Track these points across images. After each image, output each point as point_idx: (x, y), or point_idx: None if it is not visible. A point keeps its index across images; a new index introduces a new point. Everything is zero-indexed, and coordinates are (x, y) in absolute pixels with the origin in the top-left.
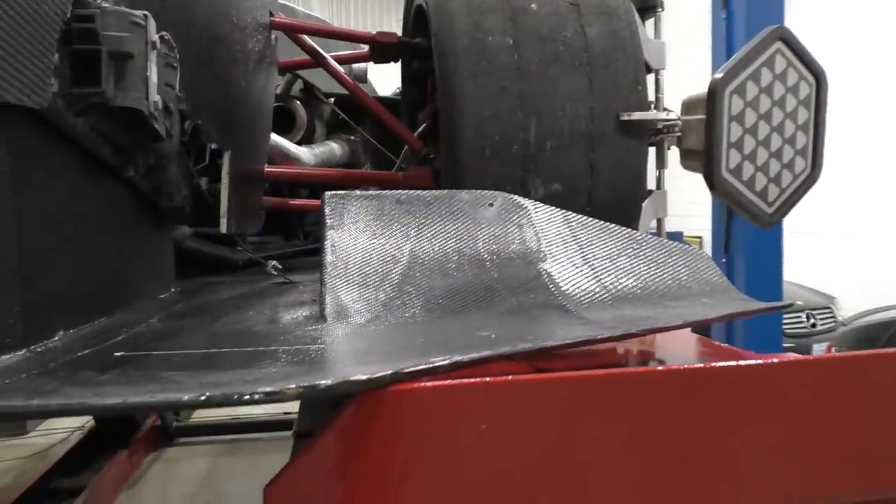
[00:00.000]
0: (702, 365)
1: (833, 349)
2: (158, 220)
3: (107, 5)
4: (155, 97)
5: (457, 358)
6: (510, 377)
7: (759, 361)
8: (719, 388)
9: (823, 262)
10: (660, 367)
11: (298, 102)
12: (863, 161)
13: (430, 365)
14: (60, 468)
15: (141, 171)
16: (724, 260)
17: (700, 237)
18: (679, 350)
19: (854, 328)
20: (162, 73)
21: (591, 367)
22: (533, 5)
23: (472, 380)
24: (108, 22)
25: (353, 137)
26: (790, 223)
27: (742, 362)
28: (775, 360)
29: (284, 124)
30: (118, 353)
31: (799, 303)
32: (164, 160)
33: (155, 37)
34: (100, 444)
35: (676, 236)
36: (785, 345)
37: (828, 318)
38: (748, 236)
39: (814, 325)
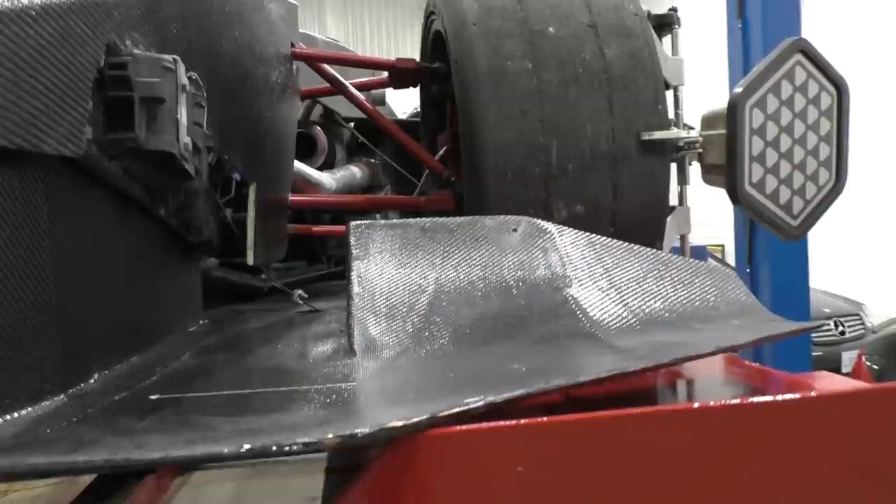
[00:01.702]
0: (739, 401)
1: (864, 357)
2: (187, 254)
3: (138, 52)
4: (185, 139)
5: (490, 398)
6: (545, 419)
7: (807, 395)
8: (761, 424)
9: (851, 266)
10: (696, 405)
11: (319, 128)
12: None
13: (465, 407)
14: (89, 494)
15: (171, 209)
16: (748, 270)
17: (722, 245)
18: (709, 372)
19: (884, 335)
20: (191, 113)
21: (623, 393)
22: (550, 28)
23: (507, 423)
24: (139, 68)
25: (373, 160)
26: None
27: (783, 397)
28: (820, 392)
29: (306, 150)
30: (154, 396)
31: (826, 310)
32: (193, 197)
33: (184, 79)
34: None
35: (700, 251)
36: (814, 353)
37: (857, 325)
38: (772, 246)
39: (842, 333)
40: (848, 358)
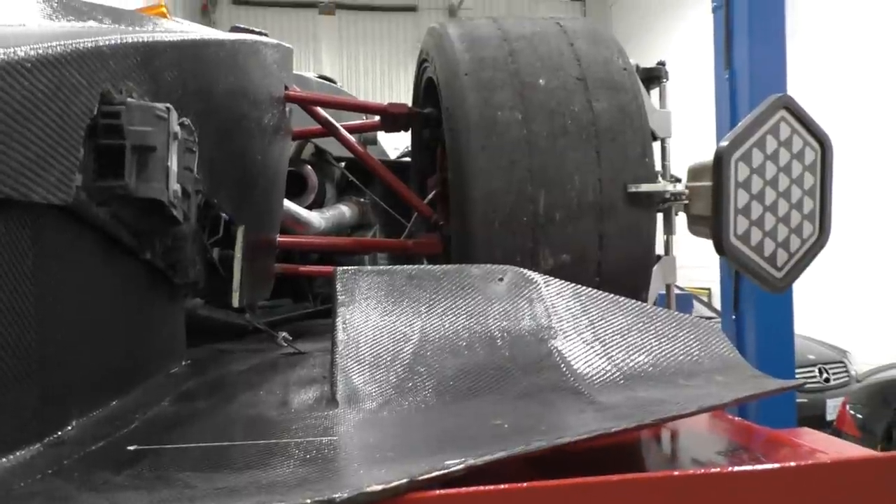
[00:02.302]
0: (720, 469)
1: (847, 406)
2: (172, 294)
3: (132, 100)
4: (175, 186)
5: (471, 461)
6: (525, 485)
7: (794, 464)
8: (750, 492)
9: (836, 314)
10: (676, 473)
11: (310, 167)
12: (873, 214)
13: (445, 470)
14: None
15: (158, 252)
16: (733, 317)
17: (709, 289)
18: (694, 427)
19: (868, 384)
20: (181, 159)
21: (608, 447)
22: (541, 81)
23: (487, 487)
24: (132, 116)
25: (362, 200)
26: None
27: (768, 466)
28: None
29: (296, 188)
30: (132, 448)
31: (811, 357)
32: (181, 241)
33: (176, 128)
34: None
35: (686, 298)
36: (799, 400)
37: (841, 372)
38: (758, 293)
39: (827, 380)
40: (832, 405)
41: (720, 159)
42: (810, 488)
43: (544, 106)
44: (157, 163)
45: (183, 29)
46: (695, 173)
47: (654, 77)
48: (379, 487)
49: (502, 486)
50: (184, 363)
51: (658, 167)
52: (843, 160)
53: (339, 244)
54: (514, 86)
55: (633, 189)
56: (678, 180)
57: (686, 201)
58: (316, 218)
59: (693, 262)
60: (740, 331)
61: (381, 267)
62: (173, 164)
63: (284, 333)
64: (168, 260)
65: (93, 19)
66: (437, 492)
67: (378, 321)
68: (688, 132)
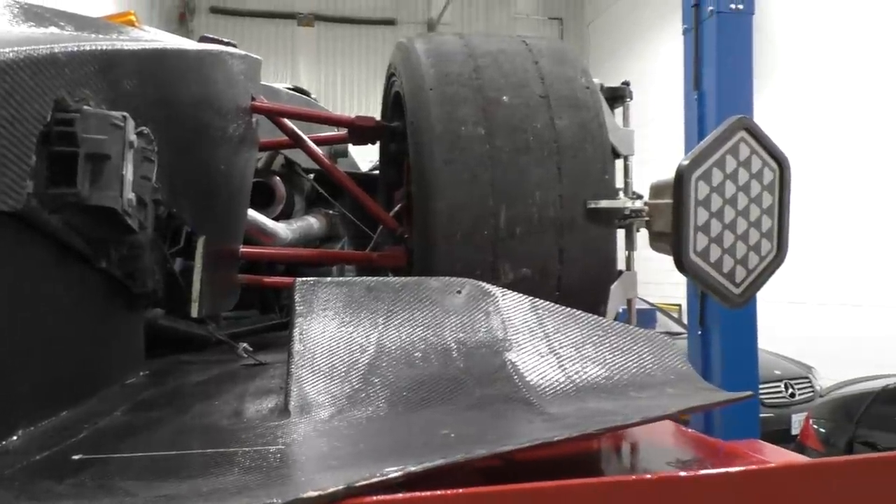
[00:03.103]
0: (653, 476)
1: (811, 421)
2: (130, 304)
3: (88, 108)
4: (129, 195)
5: (410, 468)
6: (461, 491)
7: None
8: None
9: (803, 331)
10: (608, 479)
11: (278, 178)
12: (840, 234)
13: (383, 477)
14: None
15: (113, 261)
16: (699, 333)
17: (679, 304)
18: (647, 437)
19: (831, 399)
20: (138, 168)
21: (561, 457)
22: (504, 97)
23: (422, 493)
24: (87, 124)
25: (331, 212)
26: (771, 293)
27: (705, 472)
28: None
29: (264, 199)
30: (77, 457)
31: (777, 372)
32: (138, 249)
33: (132, 136)
34: None
35: (649, 314)
36: (764, 415)
37: (806, 388)
38: (723, 309)
39: (792, 395)
40: (797, 420)
41: (681, 177)
42: (743, 493)
43: (507, 122)
44: (111, 171)
45: (148, 38)
46: (656, 191)
47: (618, 96)
48: (315, 494)
49: (438, 492)
50: (142, 373)
51: (620, 184)
52: (819, 179)
53: (303, 255)
54: (477, 101)
55: (592, 205)
56: (640, 197)
57: (647, 218)
58: (282, 229)
59: (664, 278)
60: (706, 346)
61: (341, 279)
62: (128, 172)
63: (245, 344)
64: (125, 269)
65: (54, 26)
66: (374, 497)
67: (335, 332)
68: (664, 150)
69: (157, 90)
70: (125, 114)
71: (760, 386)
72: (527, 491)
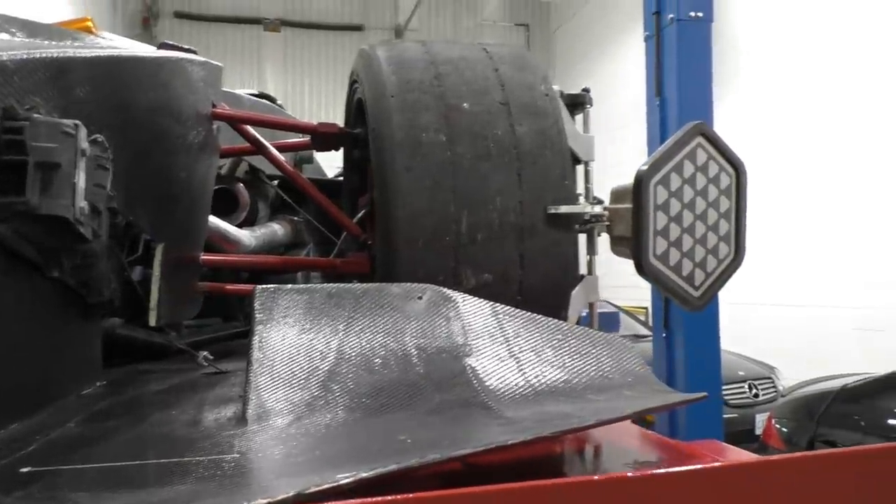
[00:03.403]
0: (601, 477)
1: (773, 420)
2: (85, 313)
3: (38, 116)
4: (81, 203)
5: (362, 474)
6: (411, 495)
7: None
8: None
9: (766, 332)
10: (555, 481)
11: (242, 185)
12: (800, 236)
13: (334, 483)
14: None
15: (67, 270)
16: (664, 335)
17: (646, 307)
18: (607, 439)
19: (792, 399)
20: (91, 176)
21: (516, 462)
22: (465, 104)
23: (373, 499)
24: (37, 132)
25: (296, 218)
26: (734, 295)
27: (654, 472)
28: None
29: (227, 206)
30: (26, 470)
31: (741, 373)
32: (92, 258)
33: (85, 144)
34: None
35: (612, 317)
36: (729, 416)
37: (769, 388)
38: (686, 312)
39: (756, 396)
40: (761, 420)
41: (640, 182)
42: (691, 492)
43: (468, 129)
44: (62, 179)
45: (104, 44)
46: (616, 196)
47: (578, 103)
48: (264, 501)
49: (389, 497)
50: (99, 384)
51: (581, 189)
52: (779, 182)
53: (266, 262)
54: (439, 108)
55: (552, 210)
56: (600, 202)
57: (608, 222)
58: (246, 236)
59: (632, 282)
60: (670, 348)
61: (301, 286)
62: (80, 180)
63: (205, 353)
64: (79, 278)
65: (5, 32)
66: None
67: (295, 339)
68: (633, 154)
69: (112, 97)
70: (77, 122)
71: (725, 387)
72: (475, 494)
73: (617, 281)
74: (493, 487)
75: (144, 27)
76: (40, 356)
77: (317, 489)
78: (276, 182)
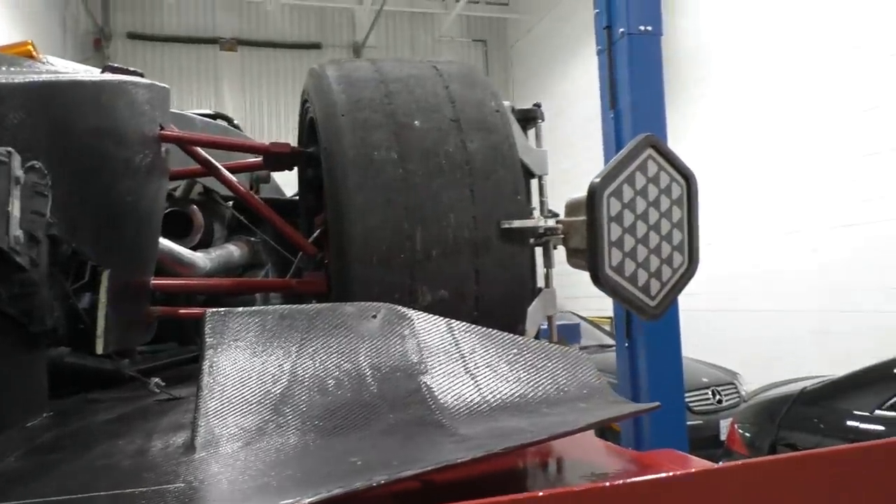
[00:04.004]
0: (545, 493)
1: (736, 425)
2: (29, 343)
3: None
4: (16, 232)
5: (305, 500)
6: None
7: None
8: None
9: (727, 338)
10: (500, 498)
11: (195, 207)
12: (758, 241)
13: None
14: None
15: (4, 300)
16: (626, 344)
17: (611, 317)
18: (567, 453)
19: (754, 404)
20: (28, 203)
21: (473, 479)
22: (416, 122)
23: None
24: None
25: (253, 239)
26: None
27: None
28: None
29: (181, 229)
30: None
31: (705, 379)
32: (31, 287)
33: (19, 172)
34: None
35: (572, 328)
36: (694, 422)
37: (732, 394)
38: (647, 322)
39: (720, 402)
40: (725, 425)
41: (593, 195)
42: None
43: (419, 146)
44: None
45: (43, 69)
46: (571, 208)
47: (530, 118)
48: None
49: None
50: (45, 415)
51: (535, 204)
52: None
53: (219, 285)
54: (390, 126)
55: (506, 225)
56: (555, 215)
57: (563, 235)
58: (201, 259)
59: (595, 292)
60: (633, 356)
61: (253, 308)
62: (15, 209)
63: (157, 380)
64: (19, 307)
65: None
66: None
67: (246, 363)
68: (589, 167)
69: (50, 123)
70: (10, 149)
71: (689, 393)
72: None
73: (580, 292)
74: None
75: (96, 49)
76: None
77: None
78: (231, 203)
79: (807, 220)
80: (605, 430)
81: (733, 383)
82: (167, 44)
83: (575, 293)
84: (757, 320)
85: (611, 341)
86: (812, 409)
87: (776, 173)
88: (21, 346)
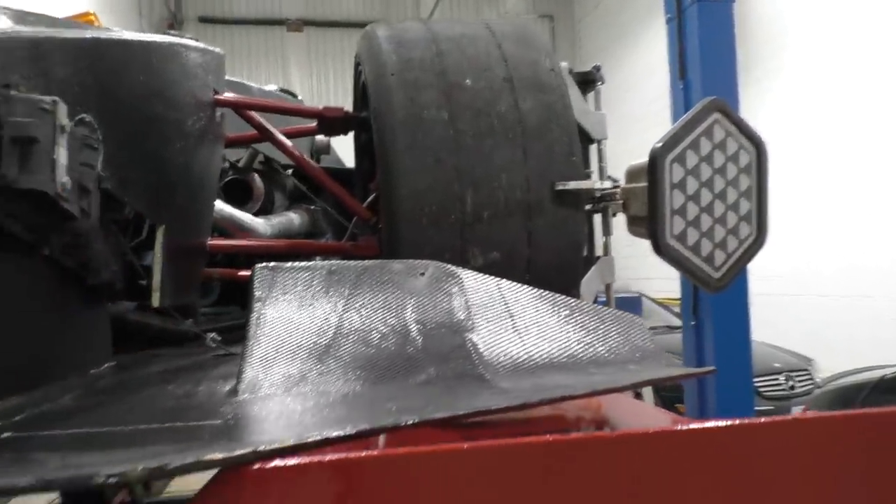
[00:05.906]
0: (582, 434)
1: (809, 412)
2: (89, 295)
3: (15, 93)
4: (63, 179)
5: (330, 433)
6: (365, 453)
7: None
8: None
9: (803, 323)
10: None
11: (256, 175)
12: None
13: (300, 441)
14: None
15: (56, 249)
16: (693, 323)
17: (680, 299)
18: (607, 415)
19: (829, 390)
20: (77, 154)
21: (515, 430)
22: (468, 81)
23: (331, 457)
24: (13, 108)
25: (313, 207)
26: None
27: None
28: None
29: (242, 196)
30: (5, 435)
31: (777, 365)
32: (83, 238)
33: (64, 121)
34: None
35: (634, 301)
36: (764, 407)
37: (806, 380)
38: (716, 300)
39: (792, 388)
40: (797, 412)
41: (654, 160)
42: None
43: (470, 106)
44: (41, 155)
45: (99, 32)
46: (632, 174)
47: (589, 80)
48: (219, 456)
49: (346, 455)
50: (107, 365)
51: (594, 168)
52: (821, 169)
53: (274, 246)
54: (440, 86)
55: (560, 187)
56: (615, 182)
57: (621, 201)
58: (261, 224)
59: (665, 273)
60: (700, 337)
61: (301, 263)
62: (61, 156)
63: (213, 334)
64: (74, 258)
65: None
66: (282, 462)
67: (293, 315)
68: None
69: (99, 80)
70: (56, 98)
71: (760, 378)
72: (426, 453)
73: (650, 273)
74: (446, 447)
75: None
76: (38, 334)
77: (276, 447)
78: (291, 172)
79: (889, 205)
80: (667, 407)
81: (807, 369)
82: (236, 26)
83: (643, 273)
84: (835, 305)
85: (679, 322)
86: (892, 398)
87: (857, 155)
88: (79, 297)
